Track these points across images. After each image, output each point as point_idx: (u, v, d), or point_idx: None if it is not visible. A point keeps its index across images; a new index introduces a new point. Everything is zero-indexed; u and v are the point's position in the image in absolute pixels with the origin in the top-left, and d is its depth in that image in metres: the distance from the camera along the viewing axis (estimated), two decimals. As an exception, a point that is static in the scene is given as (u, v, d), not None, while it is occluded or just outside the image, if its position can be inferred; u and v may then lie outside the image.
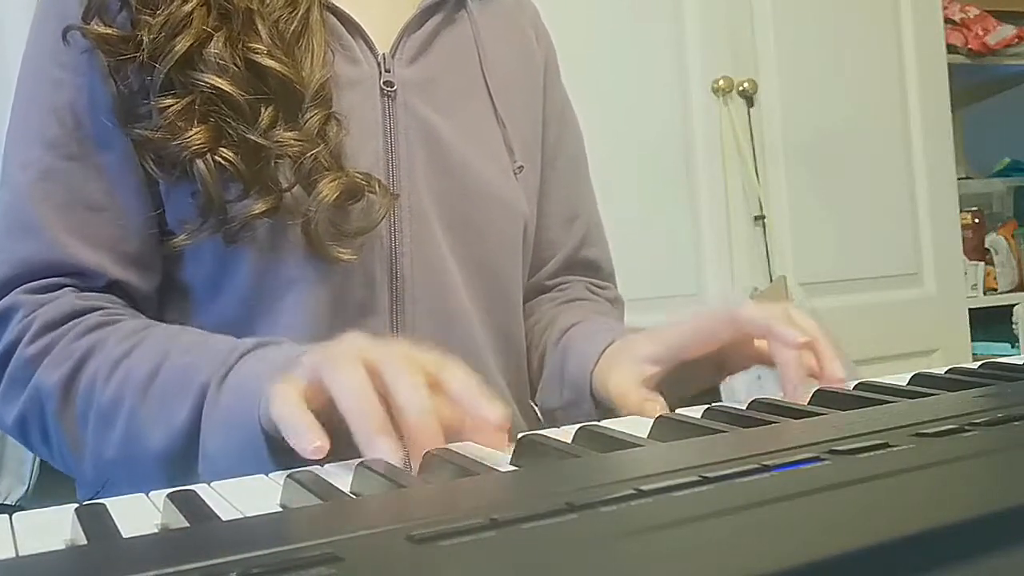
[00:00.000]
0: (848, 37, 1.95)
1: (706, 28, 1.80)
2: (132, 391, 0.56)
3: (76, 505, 0.35)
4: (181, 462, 0.54)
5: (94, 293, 0.64)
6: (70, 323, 0.61)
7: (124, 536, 0.31)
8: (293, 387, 0.47)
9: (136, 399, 0.56)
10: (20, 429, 0.62)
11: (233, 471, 0.49)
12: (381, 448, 0.43)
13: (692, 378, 0.65)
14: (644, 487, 0.29)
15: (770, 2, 1.86)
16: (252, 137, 0.61)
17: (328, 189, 0.62)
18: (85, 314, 0.62)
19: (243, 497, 0.39)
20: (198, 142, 0.60)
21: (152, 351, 0.58)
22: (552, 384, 0.74)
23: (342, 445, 0.45)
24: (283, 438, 0.48)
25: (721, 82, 1.79)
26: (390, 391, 0.45)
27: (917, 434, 0.36)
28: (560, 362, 0.73)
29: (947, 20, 2.22)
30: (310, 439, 0.43)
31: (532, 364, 0.80)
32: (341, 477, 0.40)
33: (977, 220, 2.39)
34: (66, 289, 0.63)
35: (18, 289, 0.63)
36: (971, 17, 2.36)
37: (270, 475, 0.43)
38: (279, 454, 0.48)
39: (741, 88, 1.81)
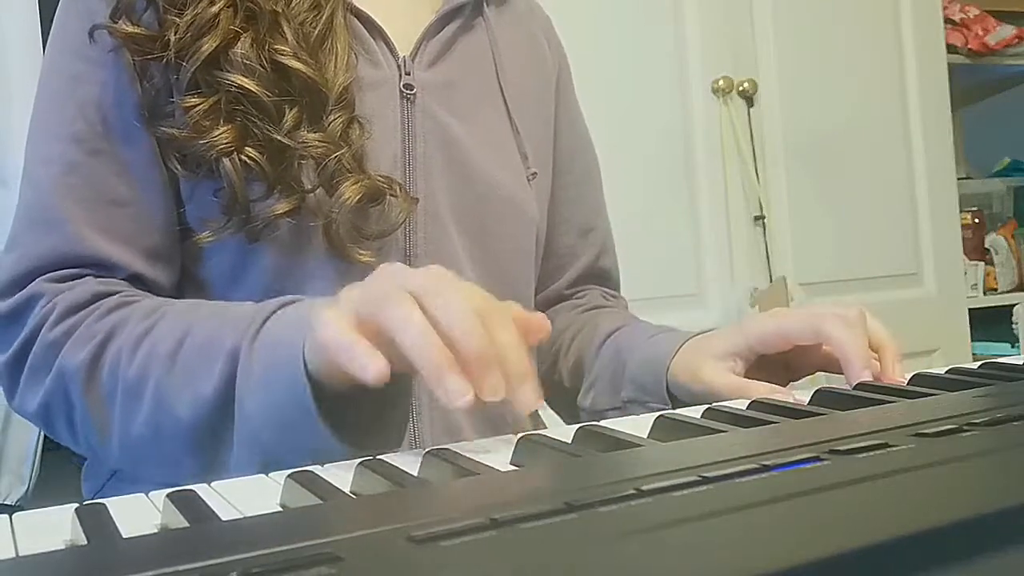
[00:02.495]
0: (848, 37, 1.95)
1: (706, 28, 1.79)
2: (158, 364, 0.56)
3: (76, 505, 0.35)
4: (210, 432, 0.54)
5: (114, 280, 0.65)
6: (92, 306, 0.61)
7: (124, 536, 0.31)
8: (341, 315, 0.47)
9: (162, 371, 0.56)
10: (44, 415, 0.62)
11: (273, 429, 0.49)
12: (452, 384, 0.43)
13: (762, 378, 0.65)
14: (644, 487, 0.29)
15: (770, 2, 1.86)
16: (277, 137, 0.62)
17: (350, 191, 0.63)
18: (107, 296, 0.62)
19: (243, 497, 0.39)
20: (224, 141, 0.61)
21: (175, 323, 0.58)
22: (605, 385, 0.75)
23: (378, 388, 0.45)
24: (328, 382, 0.48)
25: (721, 82, 1.79)
26: (439, 321, 0.45)
27: (917, 434, 0.36)
28: (614, 363, 0.74)
29: (947, 20, 2.22)
30: (373, 363, 0.43)
31: (561, 370, 0.81)
32: (341, 477, 0.40)
33: (977, 220, 2.40)
34: (87, 277, 0.64)
35: (39, 279, 0.63)
36: (971, 17, 2.36)
37: (270, 475, 0.43)
38: (323, 404, 0.48)
39: (741, 88, 1.81)
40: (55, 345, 0.60)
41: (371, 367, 0.44)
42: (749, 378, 0.65)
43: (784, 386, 0.68)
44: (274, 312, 0.55)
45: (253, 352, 0.53)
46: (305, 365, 0.49)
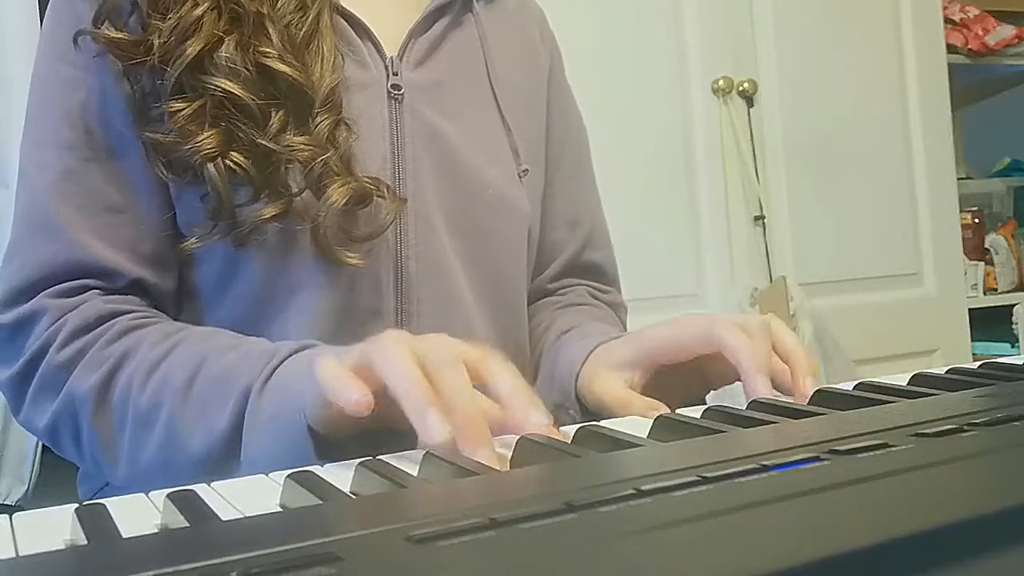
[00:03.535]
0: (848, 37, 1.95)
1: (706, 28, 1.79)
2: (171, 395, 0.56)
3: (76, 505, 0.35)
4: (220, 466, 0.54)
5: (118, 296, 0.64)
6: (101, 327, 0.61)
7: (124, 536, 0.31)
8: (341, 360, 0.47)
9: (175, 403, 0.56)
10: (51, 434, 0.62)
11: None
12: (432, 421, 0.43)
13: (675, 387, 0.64)
14: (644, 487, 0.29)
15: (770, 2, 1.86)
16: (262, 141, 0.61)
17: (338, 194, 0.62)
18: (114, 317, 0.62)
19: (243, 497, 0.39)
20: (209, 146, 0.60)
21: (189, 354, 0.58)
22: (544, 387, 0.74)
23: (389, 433, 0.46)
24: (328, 436, 0.48)
25: (721, 82, 1.79)
26: (435, 385, 0.45)
27: (917, 434, 0.35)
28: (551, 365, 0.73)
29: (947, 20, 2.22)
30: (356, 392, 0.44)
31: (530, 373, 0.80)
32: (341, 477, 0.40)
33: (977, 220, 2.40)
34: (91, 292, 0.63)
35: (43, 293, 0.62)
36: (971, 17, 2.36)
37: (270, 475, 0.43)
38: (325, 455, 0.48)
39: (741, 88, 1.81)
40: (64, 367, 0.60)
41: (353, 396, 0.44)
42: (662, 386, 0.63)
43: (703, 394, 0.67)
44: (288, 356, 0.55)
45: (262, 397, 0.53)
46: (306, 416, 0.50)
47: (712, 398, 0.69)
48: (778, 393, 0.57)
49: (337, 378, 0.46)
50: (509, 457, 0.43)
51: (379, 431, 0.48)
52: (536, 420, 0.46)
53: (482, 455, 0.43)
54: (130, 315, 0.63)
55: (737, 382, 0.61)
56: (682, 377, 0.65)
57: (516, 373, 0.48)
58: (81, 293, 0.63)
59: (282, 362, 0.54)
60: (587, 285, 0.87)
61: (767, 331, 0.59)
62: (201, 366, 0.57)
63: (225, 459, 0.54)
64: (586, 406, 0.67)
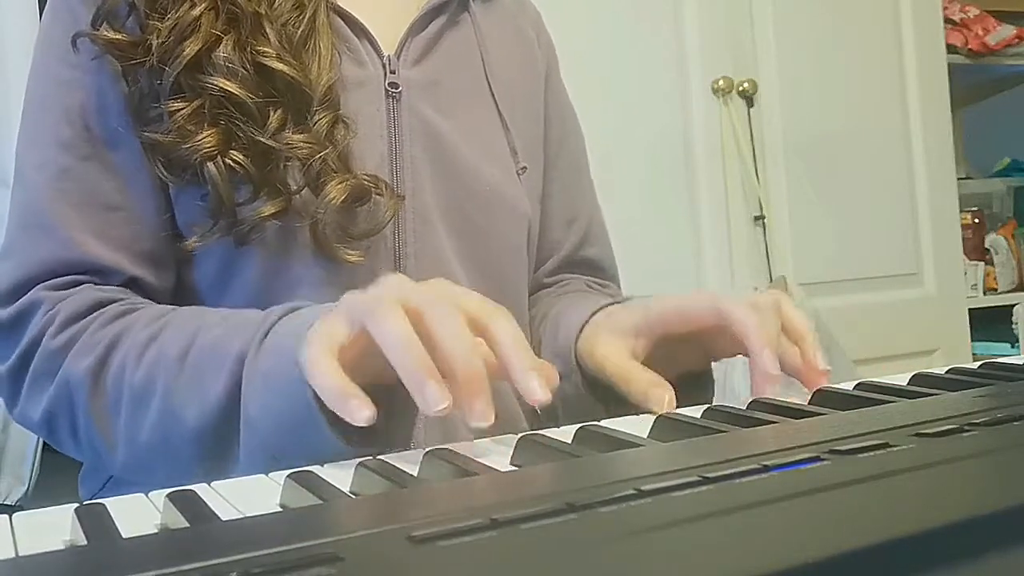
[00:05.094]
0: (848, 37, 1.95)
1: (706, 28, 1.80)
2: (164, 370, 0.56)
3: (76, 505, 0.35)
4: (217, 438, 0.54)
5: (113, 287, 0.64)
6: (94, 313, 0.61)
7: (124, 536, 0.31)
8: (327, 348, 0.47)
9: (169, 378, 0.56)
10: (47, 424, 0.62)
11: (278, 434, 0.49)
12: (431, 393, 0.43)
13: (678, 358, 0.64)
14: (644, 487, 0.29)
15: (770, 2, 1.86)
16: (261, 140, 0.62)
17: (336, 191, 0.62)
18: (108, 304, 0.62)
19: (243, 497, 0.39)
20: (208, 145, 0.61)
21: (181, 330, 0.58)
22: (545, 359, 0.73)
23: (382, 390, 0.45)
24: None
25: (721, 82, 1.79)
26: (434, 337, 0.45)
27: (917, 434, 0.36)
28: (552, 336, 0.73)
29: (947, 20, 2.22)
30: (357, 409, 0.44)
31: None
32: (341, 477, 0.40)
33: (977, 220, 2.40)
34: (86, 285, 0.64)
35: (38, 287, 0.63)
36: (971, 17, 2.36)
37: (270, 475, 0.43)
38: (327, 410, 0.48)
39: (741, 88, 1.81)
40: (58, 353, 0.60)
41: (358, 418, 0.44)
42: (665, 356, 0.63)
43: (705, 366, 0.66)
44: (280, 318, 0.55)
45: (258, 357, 0.53)
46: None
47: (716, 384, 0.69)
48: (781, 379, 0.56)
49: (334, 387, 0.45)
50: (510, 453, 0.43)
51: (376, 383, 0.47)
52: (534, 367, 0.46)
53: (479, 405, 0.43)
54: (123, 301, 0.63)
55: (739, 356, 0.61)
56: (685, 349, 0.64)
57: (514, 321, 0.48)
58: (75, 287, 0.63)
59: (275, 323, 0.54)
60: (585, 278, 0.87)
61: (777, 309, 0.59)
62: (194, 339, 0.56)
63: (222, 429, 0.53)
64: (585, 372, 0.67)
